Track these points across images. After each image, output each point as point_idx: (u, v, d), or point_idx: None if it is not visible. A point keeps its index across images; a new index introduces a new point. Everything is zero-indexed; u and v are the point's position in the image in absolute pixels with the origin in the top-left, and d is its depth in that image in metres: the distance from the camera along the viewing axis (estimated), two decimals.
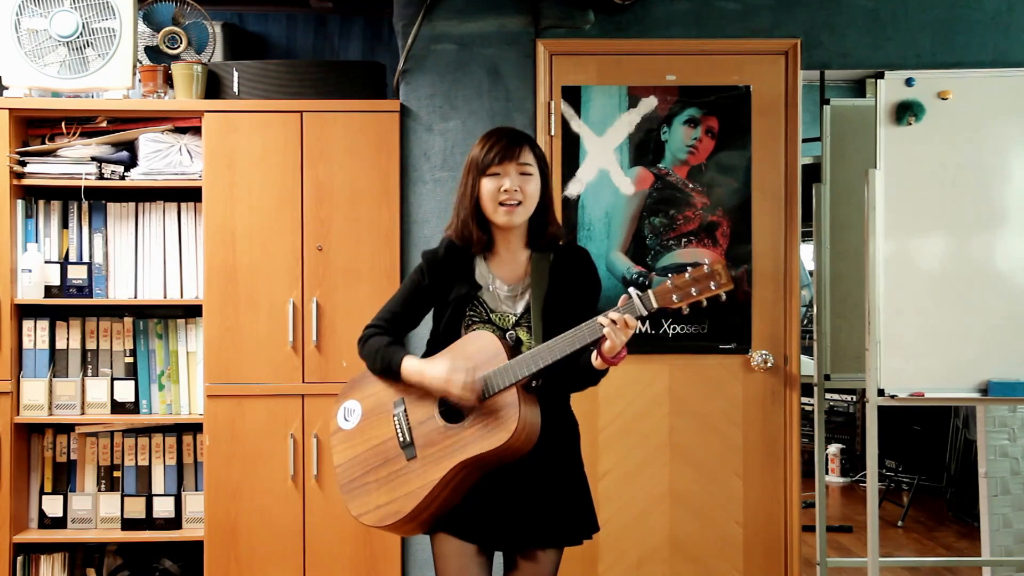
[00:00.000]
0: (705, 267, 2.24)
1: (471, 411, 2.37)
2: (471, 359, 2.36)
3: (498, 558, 2.54)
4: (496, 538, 2.45)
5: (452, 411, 2.41)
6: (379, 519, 2.44)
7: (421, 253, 2.59)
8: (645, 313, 2.25)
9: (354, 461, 2.50)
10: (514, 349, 2.41)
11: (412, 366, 2.42)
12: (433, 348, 2.51)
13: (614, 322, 2.25)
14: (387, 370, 2.47)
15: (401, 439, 2.44)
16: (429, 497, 2.38)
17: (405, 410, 2.45)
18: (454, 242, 2.51)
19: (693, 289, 2.23)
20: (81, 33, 3.63)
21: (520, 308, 2.47)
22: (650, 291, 2.26)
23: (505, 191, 2.41)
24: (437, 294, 2.52)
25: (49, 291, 3.65)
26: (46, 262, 3.66)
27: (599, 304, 2.54)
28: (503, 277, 2.50)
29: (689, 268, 2.25)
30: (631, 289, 2.29)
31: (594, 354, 2.34)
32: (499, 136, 2.47)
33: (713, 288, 2.23)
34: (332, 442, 2.56)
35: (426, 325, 2.62)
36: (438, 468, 2.37)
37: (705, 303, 2.25)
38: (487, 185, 2.43)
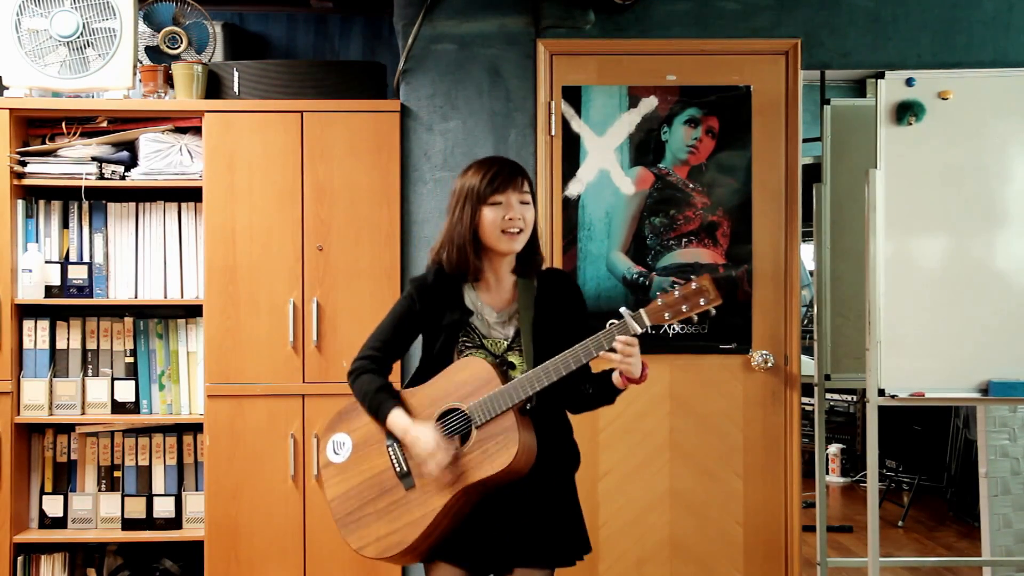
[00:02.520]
0: (693, 284, 2.31)
1: (467, 437, 2.39)
2: (464, 386, 2.40)
3: None
4: (487, 560, 2.47)
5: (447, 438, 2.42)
6: (382, 550, 2.45)
7: (409, 280, 2.61)
8: (640, 331, 2.32)
9: (349, 494, 2.50)
10: (506, 374, 2.44)
11: (398, 423, 2.43)
12: (424, 374, 2.52)
13: (626, 344, 2.32)
14: (374, 415, 2.48)
15: (398, 469, 2.45)
16: (432, 525, 2.40)
17: (399, 441, 2.46)
18: (442, 268, 2.52)
19: (684, 306, 2.31)
20: (81, 33, 3.63)
21: (511, 333, 2.50)
22: (642, 310, 2.33)
23: (510, 219, 2.44)
24: (428, 320, 2.53)
25: (49, 291, 3.65)
26: (46, 262, 3.66)
27: (588, 316, 2.60)
28: (491, 304, 2.53)
29: (677, 285, 2.32)
30: (622, 309, 2.35)
31: (616, 374, 2.40)
32: (500, 167, 2.48)
33: (703, 304, 2.30)
34: (323, 476, 2.56)
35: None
36: (440, 496, 2.39)
37: (696, 318, 2.33)
38: (489, 214, 2.44)
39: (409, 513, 2.42)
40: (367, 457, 2.50)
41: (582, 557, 2.54)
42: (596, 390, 2.49)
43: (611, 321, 2.34)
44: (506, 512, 2.44)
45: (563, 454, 2.55)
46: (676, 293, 2.31)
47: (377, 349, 2.53)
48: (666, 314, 2.31)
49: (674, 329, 3.71)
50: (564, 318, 2.52)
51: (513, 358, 2.48)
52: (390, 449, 2.46)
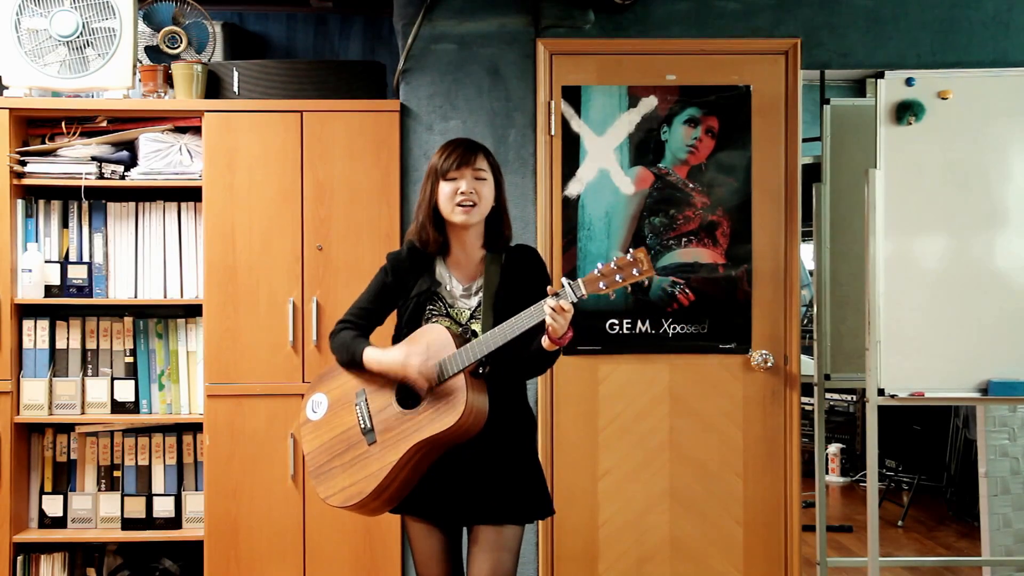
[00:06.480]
0: (628, 255, 2.44)
1: (425, 397, 2.57)
2: (426, 349, 2.57)
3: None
4: (454, 516, 2.67)
5: (408, 399, 2.60)
6: (344, 500, 2.64)
7: (386, 255, 2.79)
8: (575, 299, 2.46)
9: (321, 449, 2.71)
10: (467, 341, 2.60)
11: (372, 355, 2.64)
12: (397, 338, 2.73)
13: (553, 309, 2.46)
14: (351, 361, 2.69)
15: (362, 425, 2.64)
16: (388, 478, 2.57)
17: (366, 399, 2.66)
18: (415, 244, 2.72)
19: (618, 276, 2.45)
20: (81, 33, 3.63)
21: (474, 304, 2.69)
22: (580, 279, 2.48)
23: (461, 192, 2.62)
24: (401, 291, 2.72)
25: (49, 291, 3.65)
26: (46, 262, 3.66)
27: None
28: (459, 277, 2.72)
29: (615, 257, 2.46)
30: (563, 279, 2.49)
31: (544, 338, 2.53)
32: (456, 145, 2.68)
33: (635, 274, 2.44)
34: (301, 432, 2.77)
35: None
36: (395, 450, 2.57)
37: (630, 288, 2.39)
38: (445, 188, 2.64)
39: (369, 466, 2.60)
40: (339, 414, 2.70)
41: (543, 517, 2.73)
42: (535, 353, 2.60)
43: (551, 290, 2.48)
44: (465, 472, 2.62)
45: (519, 418, 2.71)
46: (612, 264, 2.45)
47: (357, 316, 2.75)
48: (601, 283, 2.45)
49: (674, 329, 3.71)
50: (525, 291, 2.66)
51: (476, 327, 2.65)
52: (358, 408, 2.66)
